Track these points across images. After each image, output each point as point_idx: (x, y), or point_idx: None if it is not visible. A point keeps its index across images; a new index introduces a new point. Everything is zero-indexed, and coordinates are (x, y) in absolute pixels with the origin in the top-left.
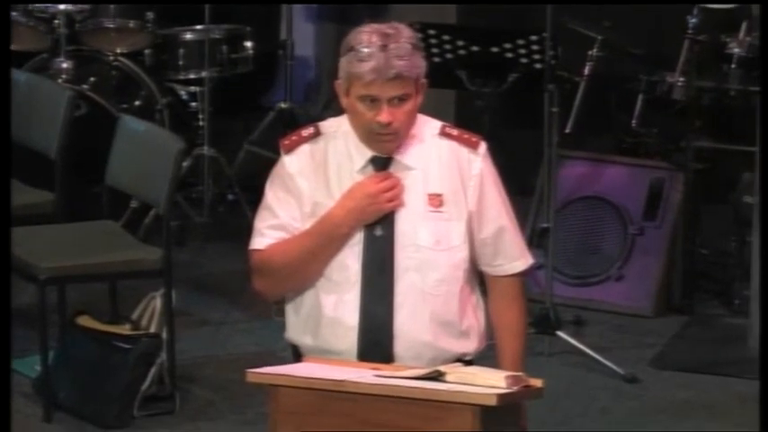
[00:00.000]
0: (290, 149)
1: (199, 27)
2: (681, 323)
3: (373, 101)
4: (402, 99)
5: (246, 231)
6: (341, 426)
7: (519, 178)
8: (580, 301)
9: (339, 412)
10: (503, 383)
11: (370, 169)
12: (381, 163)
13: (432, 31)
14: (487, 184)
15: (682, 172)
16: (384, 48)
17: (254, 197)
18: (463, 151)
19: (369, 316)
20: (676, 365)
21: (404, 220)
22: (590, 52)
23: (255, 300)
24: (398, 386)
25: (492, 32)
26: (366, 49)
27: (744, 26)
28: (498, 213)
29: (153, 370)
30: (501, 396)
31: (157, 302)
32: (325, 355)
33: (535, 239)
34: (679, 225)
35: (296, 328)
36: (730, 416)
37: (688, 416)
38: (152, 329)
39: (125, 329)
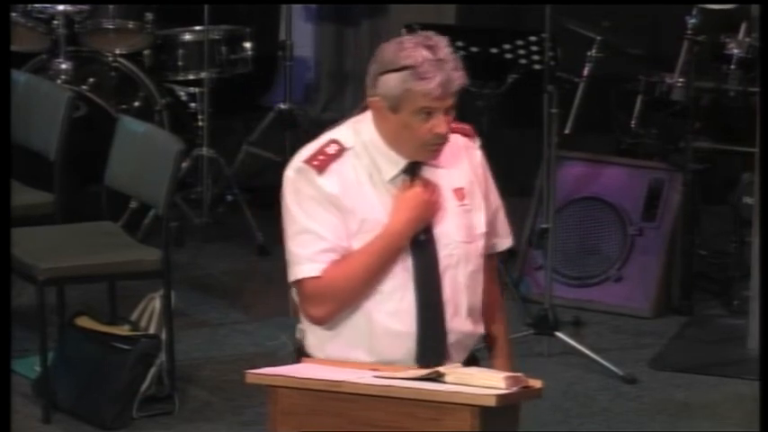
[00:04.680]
0: (321, 170)
1: (198, 28)
2: (680, 324)
3: (429, 113)
4: (451, 108)
5: (245, 232)
6: (339, 426)
7: (518, 179)
8: (579, 301)
9: (338, 413)
10: (502, 384)
11: (402, 177)
12: (413, 168)
13: (430, 32)
14: (487, 169)
15: (681, 172)
16: (440, 62)
17: (253, 198)
18: (463, 141)
19: (424, 320)
20: (675, 366)
21: (440, 220)
22: (589, 53)
23: (255, 300)
24: (397, 387)
25: (491, 33)
26: (426, 66)
27: (743, 27)
28: (495, 195)
29: (152, 371)
30: (500, 397)
31: (156, 303)
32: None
33: (534, 240)
34: (678, 226)
35: (333, 344)
36: (729, 416)
37: (687, 416)
38: (151, 330)
39: (124, 330)
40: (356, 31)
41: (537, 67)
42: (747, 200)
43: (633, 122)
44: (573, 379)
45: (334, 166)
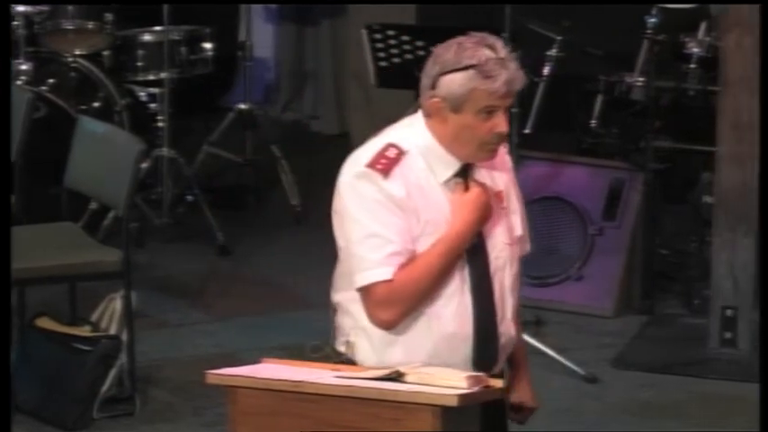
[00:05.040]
0: (386, 173)
1: (157, 28)
2: (641, 323)
3: (490, 113)
4: (509, 108)
5: (206, 232)
6: (300, 427)
7: None
8: (540, 301)
9: (298, 413)
10: (463, 384)
11: (454, 180)
12: (465, 171)
13: (391, 32)
14: (514, 174)
15: (641, 172)
16: (503, 60)
17: (214, 198)
18: None
19: (480, 323)
20: (637, 365)
21: (490, 223)
22: (549, 52)
23: (215, 300)
24: (357, 387)
25: (452, 33)
26: (490, 65)
27: (702, 26)
28: (521, 198)
29: (112, 372)
30: (462, 396)
31: (117, 304)
32: None
33: None
34: (639, 225)
35: (392, 351)
36: (691, 415)
37: (649, 416)
38: (111, 331)
39: (85, 331)
40: (316, 32)
41: None
42: (707, 199)
43: (593, 122)
44: (535, 379)
45: (398, 170)
